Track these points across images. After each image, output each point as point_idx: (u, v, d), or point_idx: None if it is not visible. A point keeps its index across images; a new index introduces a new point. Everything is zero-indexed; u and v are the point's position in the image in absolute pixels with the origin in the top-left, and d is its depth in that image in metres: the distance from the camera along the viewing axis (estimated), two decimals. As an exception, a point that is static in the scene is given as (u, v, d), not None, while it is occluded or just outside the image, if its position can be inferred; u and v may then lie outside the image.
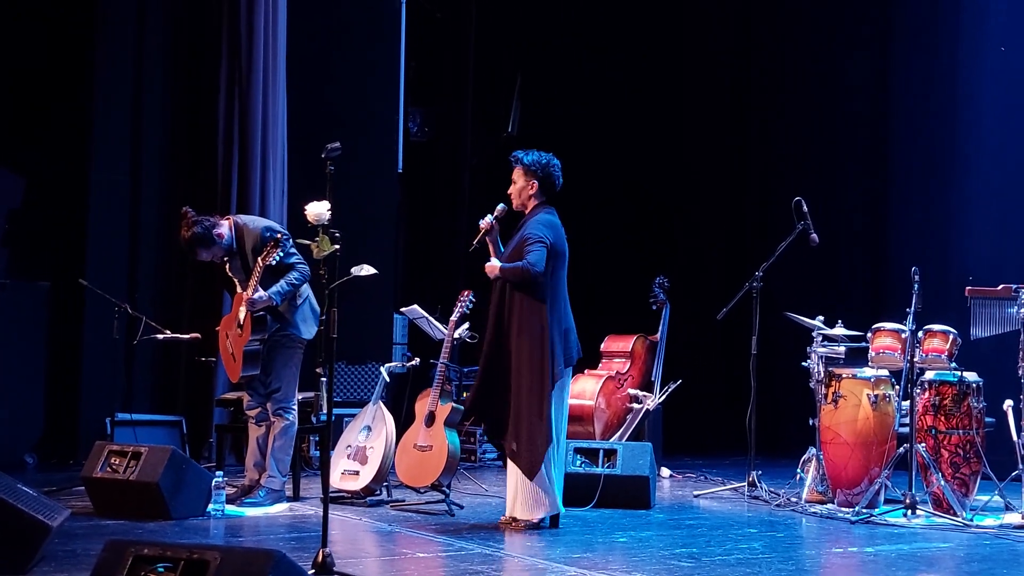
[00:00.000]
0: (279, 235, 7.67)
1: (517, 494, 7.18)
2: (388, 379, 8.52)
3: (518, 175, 7.31)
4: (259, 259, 7.62)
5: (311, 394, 8.37)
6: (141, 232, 10.29)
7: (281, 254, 7.59)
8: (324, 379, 7.99)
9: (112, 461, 7.34)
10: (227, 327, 7.91)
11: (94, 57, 10.18)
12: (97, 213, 10.13)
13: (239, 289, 7.90)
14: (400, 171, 11.68)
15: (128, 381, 9.88)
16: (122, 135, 10.24)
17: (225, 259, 7.93)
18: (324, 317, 6.09)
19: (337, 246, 5.84)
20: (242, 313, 7.69)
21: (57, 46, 10.15)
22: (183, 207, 7.90)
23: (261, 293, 7.63)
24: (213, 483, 7.41)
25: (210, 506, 7.39)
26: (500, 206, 7.38)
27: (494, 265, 7.19)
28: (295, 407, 7.97)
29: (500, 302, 7.17)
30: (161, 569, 4.21)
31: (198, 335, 8.93)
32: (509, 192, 7.35)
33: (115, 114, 10.22)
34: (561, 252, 7.20)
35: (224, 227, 7.84)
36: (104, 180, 10.15)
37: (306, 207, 6.07)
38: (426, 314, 8.81)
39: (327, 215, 5.90)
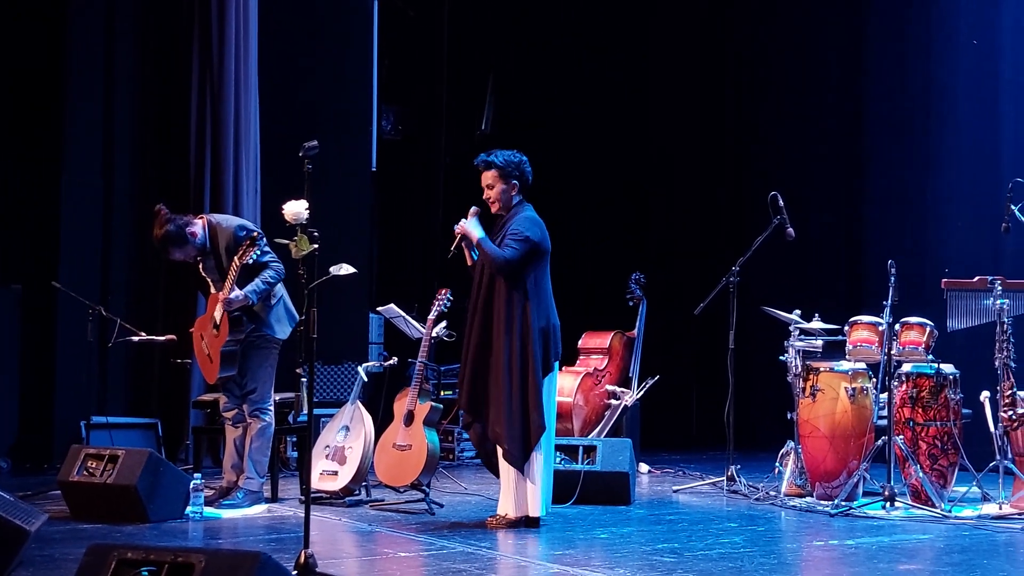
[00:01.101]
0: (255, 233, 7.61)
1: (509, 491, 7.14)
2: (366, 379, 8.48)
3: (494, 179, 7.20)
4: (235, 258, 7.56)
5: (289, 395, 8.32)
6: (114, 234, 10.23)
7: (257, 253, 7.54)
8: (304, 379, 7.95)
9: (89, 465, 7.28)
10: (202, 328, 7.84)
11: (65, 59, 10.10)
12: (70, 215, 10.06)
13: (213, 289, 7.84)
14: (374, 170, 11.63)
15: (102, 384, 9.82)
16: (94, 137, 10.18)
17: (198, 259, 7.86)
18: (303, 317, 6.02)
19: (316, 245, 5.80)
20: (218, 313, 7.63)
21: (27, 49, 10.07)
22: (157, 205, 7.84)
23: (238, 292, 7.57)
24: (191, 485, 7.37)
25: (188, 508, 7.34)
26: (473, 209, 7.29)
27: (472, 232, 7.11)
28: (271, 408, 7.92)
29: (486, 299, 7.11)
30: (145, 573, 4.15)
31: (173, 337, 8.87)
32: (486, 197, 7.25)
33: (87, 116, 10.15)
34: (547, 250, 7.17)
35: (197, 226, 7.78)
36: (76, 182, 10.09)
37: (284, 206, 6.01)
38: (403, 313, 8.78)
39: (305, 214, 5.84)
